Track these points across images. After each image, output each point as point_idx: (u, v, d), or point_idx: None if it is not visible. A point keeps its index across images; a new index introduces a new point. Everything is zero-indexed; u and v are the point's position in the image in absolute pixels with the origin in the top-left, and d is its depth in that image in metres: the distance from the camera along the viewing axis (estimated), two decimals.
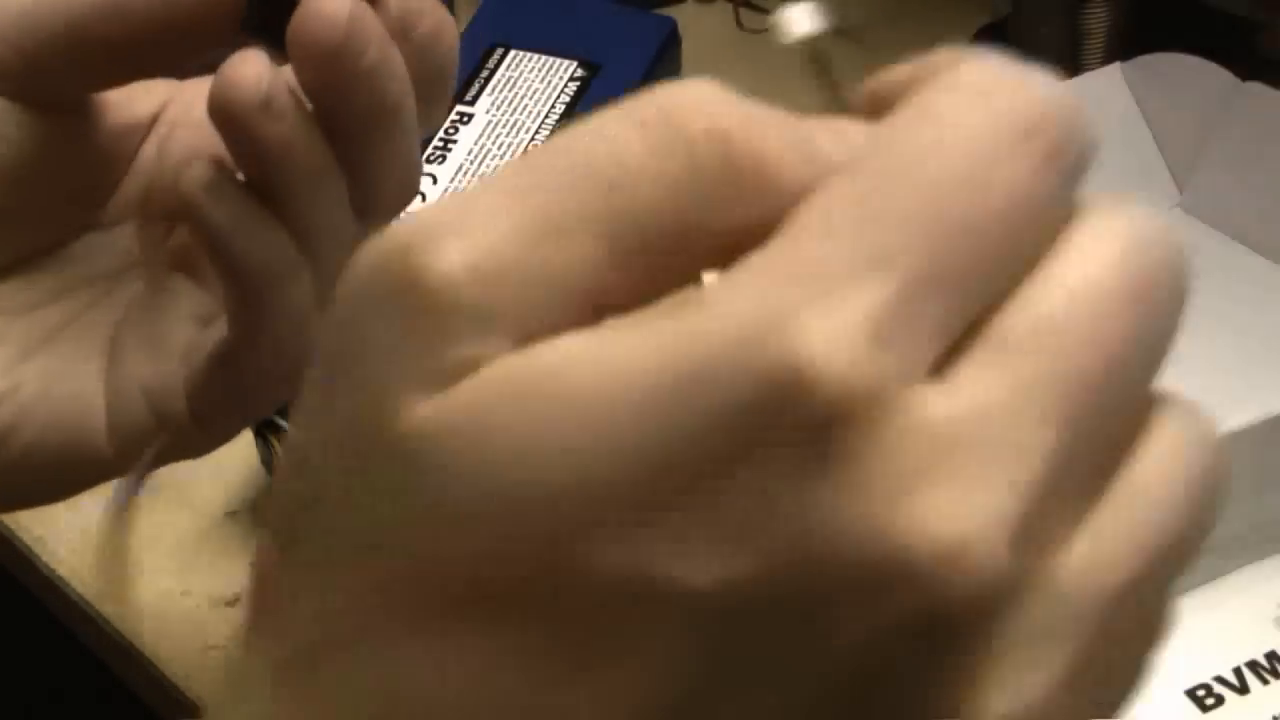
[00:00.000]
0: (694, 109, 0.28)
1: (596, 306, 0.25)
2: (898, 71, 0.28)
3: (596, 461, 0.24)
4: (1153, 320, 0.28)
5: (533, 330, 0.25)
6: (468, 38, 0.74)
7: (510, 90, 0.71)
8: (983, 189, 0.25)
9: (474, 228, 0.25)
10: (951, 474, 0.24)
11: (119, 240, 0.48)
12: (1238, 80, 0.69)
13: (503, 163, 0.69)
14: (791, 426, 0.24)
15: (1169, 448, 0.28)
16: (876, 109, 0.27)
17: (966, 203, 0.25)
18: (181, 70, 0.45)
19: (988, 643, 0.25)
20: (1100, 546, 0.26)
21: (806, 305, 0.24)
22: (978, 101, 0.26)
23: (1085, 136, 0.27)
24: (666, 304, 0.25)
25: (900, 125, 0.26)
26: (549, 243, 0.25)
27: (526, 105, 0.71)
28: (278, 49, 0.40)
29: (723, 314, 0.24)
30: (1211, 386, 0.65)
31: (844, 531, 0.24)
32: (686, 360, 0.24)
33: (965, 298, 0.25)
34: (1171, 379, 0.67)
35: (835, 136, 0.27)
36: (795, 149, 0.27)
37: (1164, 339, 0.28)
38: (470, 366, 0.24)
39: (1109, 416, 0.27)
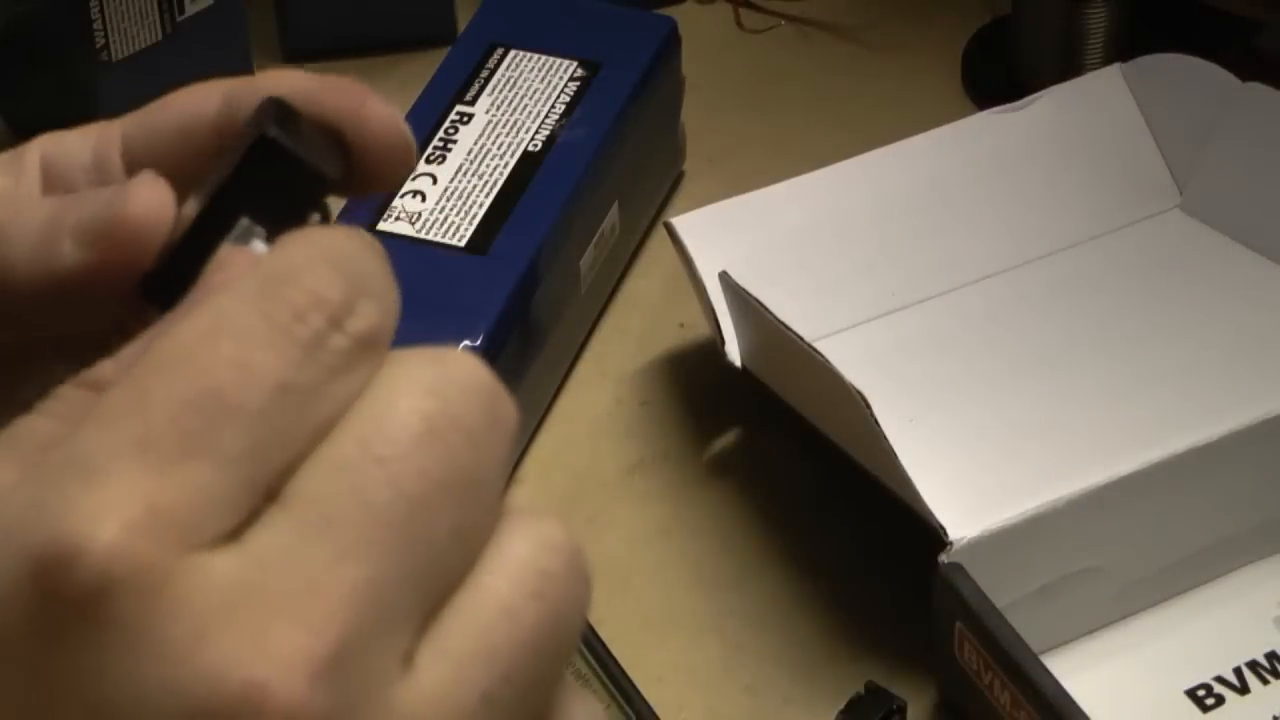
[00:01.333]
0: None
1: None
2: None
3: None
4: (459, 453, 0.28)
5: None
6: (468, 37, 0.74)
7: (510, 90, 0.71)
8: (244, 370, 0.27)
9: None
10: (244, 623, 0.26)
11: None
12: (1238, 80, 0.69)
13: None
14: (67, 602, 0.26)
15: (516, 558, 0.29)
16: None
17: (229, 383, 0.27)
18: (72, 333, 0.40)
19: None
20: (445, 660, 0.27)
21: (78, 488, 0.26)
22: (246, 293, 0.28)
23: (370, 308, 0.30)
24: None
25: (178, 319, 0.28)
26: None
27: (526, 105, 0.71)
28: None
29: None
30: (1212, 386, 0.66)
31: (142, 696, 0.26)
32: None
33: (237, 467, 0.27)
34: (1172, 379, 0.68)
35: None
36: (118, 363, 0.29)
37: (482, 466, 0.29)
38: None
39: (432, 544, 0.28)
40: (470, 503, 0.28)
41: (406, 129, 0.37)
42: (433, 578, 0.28)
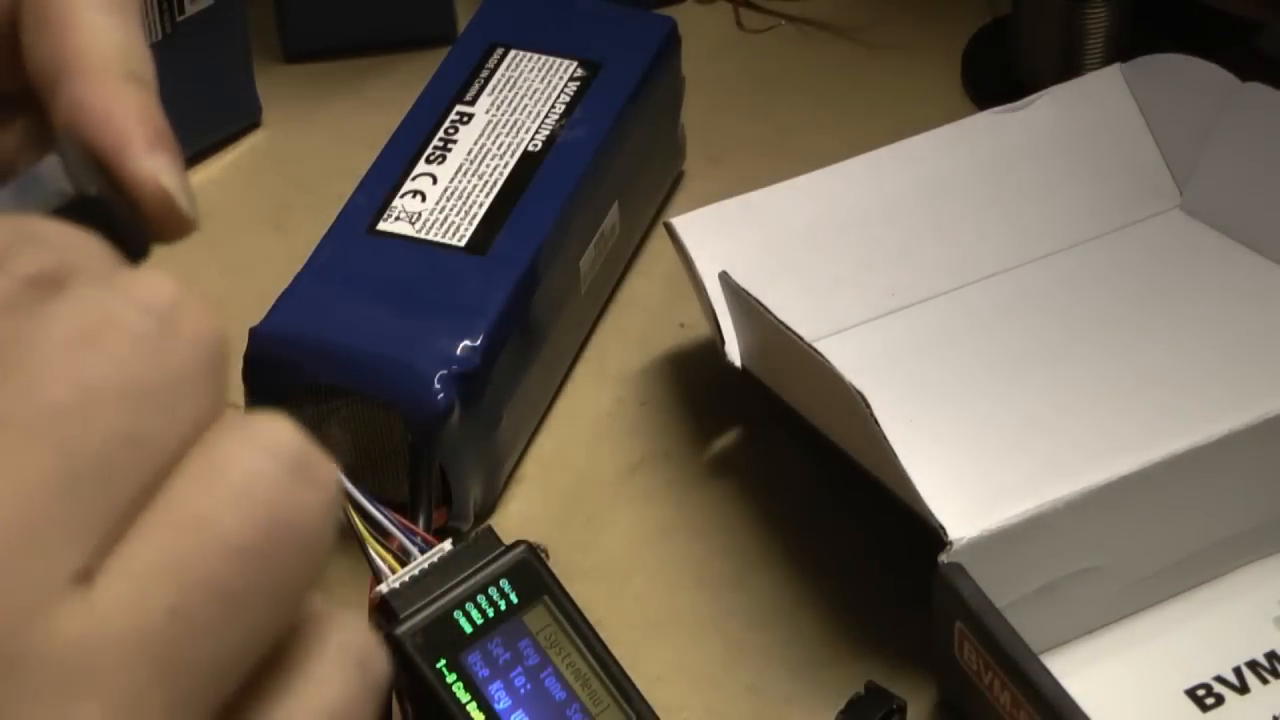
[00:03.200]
0: None
1: None
2: None
3: None
4: (128, 357, 0.27)
5: None
6: (468, 37, 0.74)
7: (510, 90, 0.71)
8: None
9: None
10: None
11: None
12: (1238, 80, 0.69)
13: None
14: None
15: (216, 463, 0.27)
16: None
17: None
18: None
19: None
20: (125, 576, 0.26)
21: None
22: None
23: (34, 254, 0.28)
24: None
25: None
26: None
27: (526, 105, 0.71)
28: None
29: None
30: (1212, 386, 0.66)
31: None
32: None
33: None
34: (1172, 379, 0.68)
35: None
36: None
37: (156, 372, 0.27)
38: None
39: (100, 452, 0.26)
40: (146, 410, 0.27)
41: (167, 189, 0.35)
42: (108, 485, 0.26)
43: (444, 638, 0.55)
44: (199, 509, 0.27)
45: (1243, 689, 0.59)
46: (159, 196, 0.35)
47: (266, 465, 0.27)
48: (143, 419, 0.27)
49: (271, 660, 0.28)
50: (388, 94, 0.79)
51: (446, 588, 0.56)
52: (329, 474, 0.28)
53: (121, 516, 0.26)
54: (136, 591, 0.26)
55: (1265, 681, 0.59)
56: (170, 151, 0.36)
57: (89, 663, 0.25)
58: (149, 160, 0.35)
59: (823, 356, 0.58)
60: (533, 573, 0.58)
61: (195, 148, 0.78)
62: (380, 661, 0.29)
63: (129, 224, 0.34)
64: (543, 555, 0.60)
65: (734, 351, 0.65)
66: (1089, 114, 0.72)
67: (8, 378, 0.26)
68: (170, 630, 0.26)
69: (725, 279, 0.64)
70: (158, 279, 0.28)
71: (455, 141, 0.69)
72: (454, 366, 0.62)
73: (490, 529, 0.61)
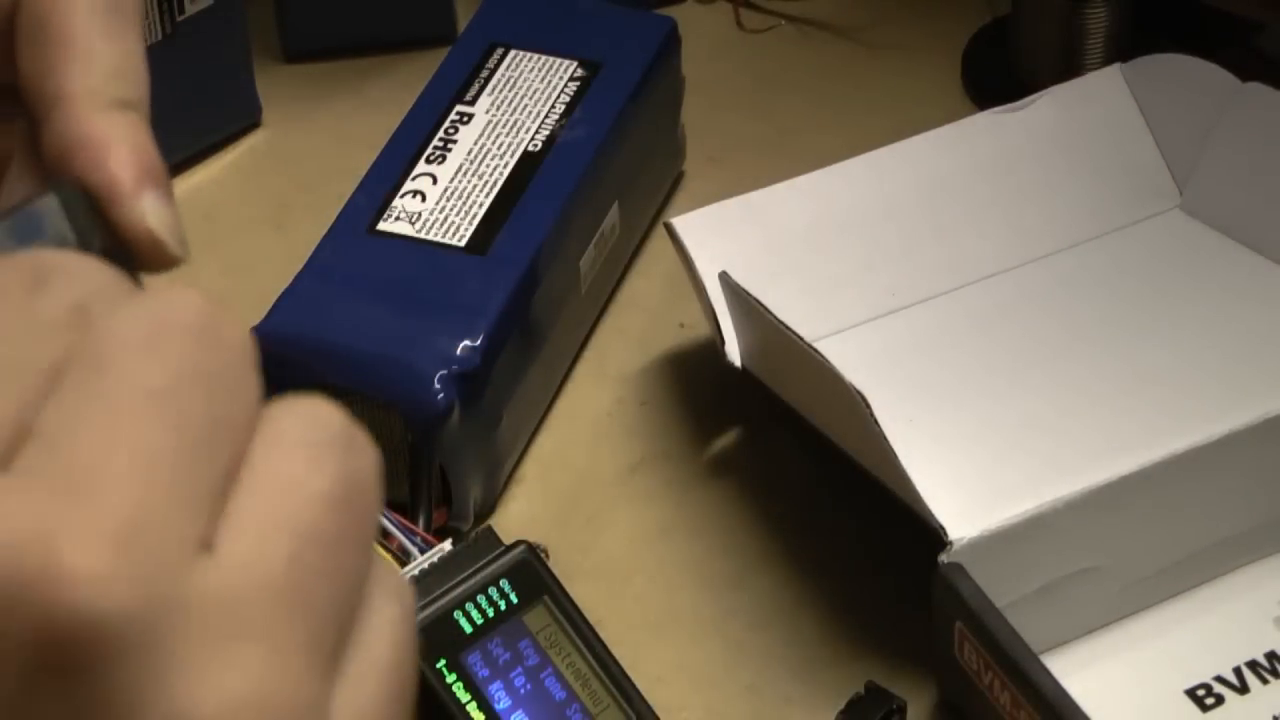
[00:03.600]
0: None
1: None
2: None
3: None
4: (200, 354, 0.30)
5: None
6: (468, 37, 0.74)
7: (510, 90, 0.71)
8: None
9: None
10: (31, 507, 0.27)
11: None
12: (1238, 80, 0.69)
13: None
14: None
15: (288, 434, 0.31)
16: None
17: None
18: None
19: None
20: (244, 534, 0.29)
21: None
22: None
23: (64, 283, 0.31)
24: None
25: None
26: None
27: (526, 105, 0.71)
28: None
29: None
30: (1212, 386, 0.66)
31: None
32: None
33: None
34: (1172, 379, 0.68)
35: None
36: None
37: (221, 363, 0.31)
38: None
39: (202, 427, 0.30)
40: (220, 394, 0.30)
41: (154, 233, 0.37)
42: (209, 459, 0.29)
43: (444, 638, 0.55)
44: (288, 473, 0.30)
45: (1243, 689, 0.59)
46: (148, 240, 0.37)
47: (326, 434, 0.31)
48: (220, 401, 0.30)
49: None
50: (388, 94, 0.79)
51: (446, 588, 0.56)
52: (368, 440, 0.32)
53: (220, 488, 0.30)
54: (257, 546, 0.29)
55: (1265, 681, 0.59)
56: (159, 187, 0.38)
57: (236, 611, 0.28)
58: (137, 204, 0.37)
59: (823, 356, 0.58)
60: (533, 573, 0.58)
61: (195, 148, 0.78)
62: (409, 593, 0.33)
63: (123, 262, 0.35)
64: (543, 555, 0.60)
65: (734, 351, 0.65)
66: (1089, 114, 0.72)
67: (104, 371, 0.29)
68: (292, 575, 0.29)
69: (725, 279, 0.64)
70: (186, 293, 0.31)
71: (455, 141, 0.69)
72: (454, 366, 0.62)
73: (490, 529, 0.61)
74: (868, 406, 0.56)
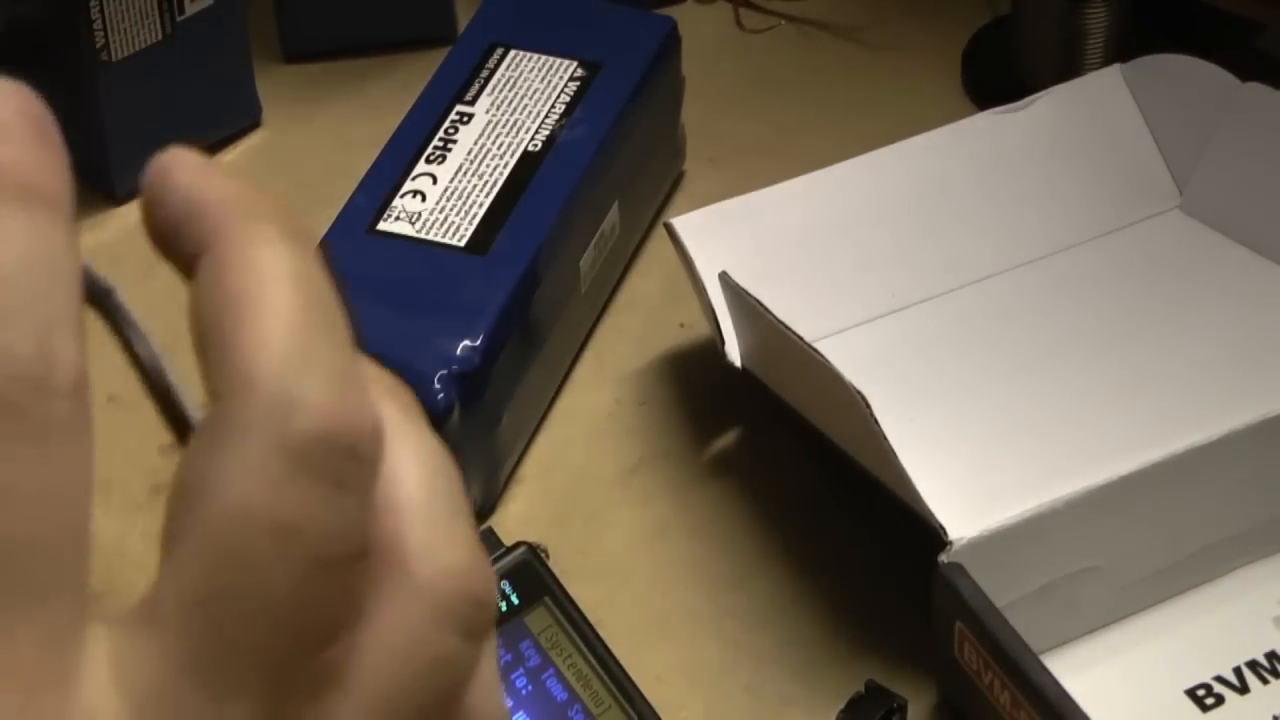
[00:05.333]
0: None
1: None
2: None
3: None
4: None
5: None
6: (468, 37, 0.74)
7: (510, 90, 0.71)
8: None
9: None
10: None
11: None
12: (1238, 80, 0.69)
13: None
14: None
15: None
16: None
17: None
18: None
19: None
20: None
21: None
22: None
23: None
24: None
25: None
26: None
27: (526, 105, 0.71)
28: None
29: None
30: (1212, 386, 0.66)
31: None
32: None
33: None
34: (1172, 379, 0.68)
35: None
36: None
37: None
38: None
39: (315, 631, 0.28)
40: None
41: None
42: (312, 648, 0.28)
43: None
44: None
45: (1243, 689, 0.59)
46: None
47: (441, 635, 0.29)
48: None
49: None
50: (387, 94, 0.79)
51: None
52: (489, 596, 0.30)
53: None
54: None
55: (1265, 681, 0.59)
56: None
57: None
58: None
59: (823, 356, 0.58)
60: (533, 574, 0.58)
61: (195, 148, 0.77)
62: None
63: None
64: (543, 556, 0.60)
65: (734, 351, 0.65)
66: (1089, 114, 0.72)
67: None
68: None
69: (725, 279, 0.64)
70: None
71: (455, 141, 0.69)
72: (454, 366, 0.62)
73: (490, 529, 0.61)
74: (868, 407, 0.56)
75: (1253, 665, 0.60)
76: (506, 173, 0.68)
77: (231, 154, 0.80)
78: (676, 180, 0.78)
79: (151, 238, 0.30)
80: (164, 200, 0.30)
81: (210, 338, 0.28)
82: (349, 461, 0.27)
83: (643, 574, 0.65)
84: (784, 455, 0.67)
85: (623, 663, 0.58)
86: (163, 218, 0.30)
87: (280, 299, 0.28)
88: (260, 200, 0.30)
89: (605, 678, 0.57)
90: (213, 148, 0.79)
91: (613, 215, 0.71)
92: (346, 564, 0.27)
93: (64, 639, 0.26)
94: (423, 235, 0.66)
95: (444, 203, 0.67)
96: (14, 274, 0.26)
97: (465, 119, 0.70)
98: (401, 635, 0.29)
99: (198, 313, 0.28)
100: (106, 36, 0.73)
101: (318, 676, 0.28)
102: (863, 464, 0.61)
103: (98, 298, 0.31)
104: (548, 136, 0.70)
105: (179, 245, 0.30)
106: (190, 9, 0.75)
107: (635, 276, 0.74)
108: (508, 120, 0.70)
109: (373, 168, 0.69)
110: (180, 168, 0.31)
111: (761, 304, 0.61)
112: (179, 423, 0.31)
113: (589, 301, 0.71)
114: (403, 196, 0.67)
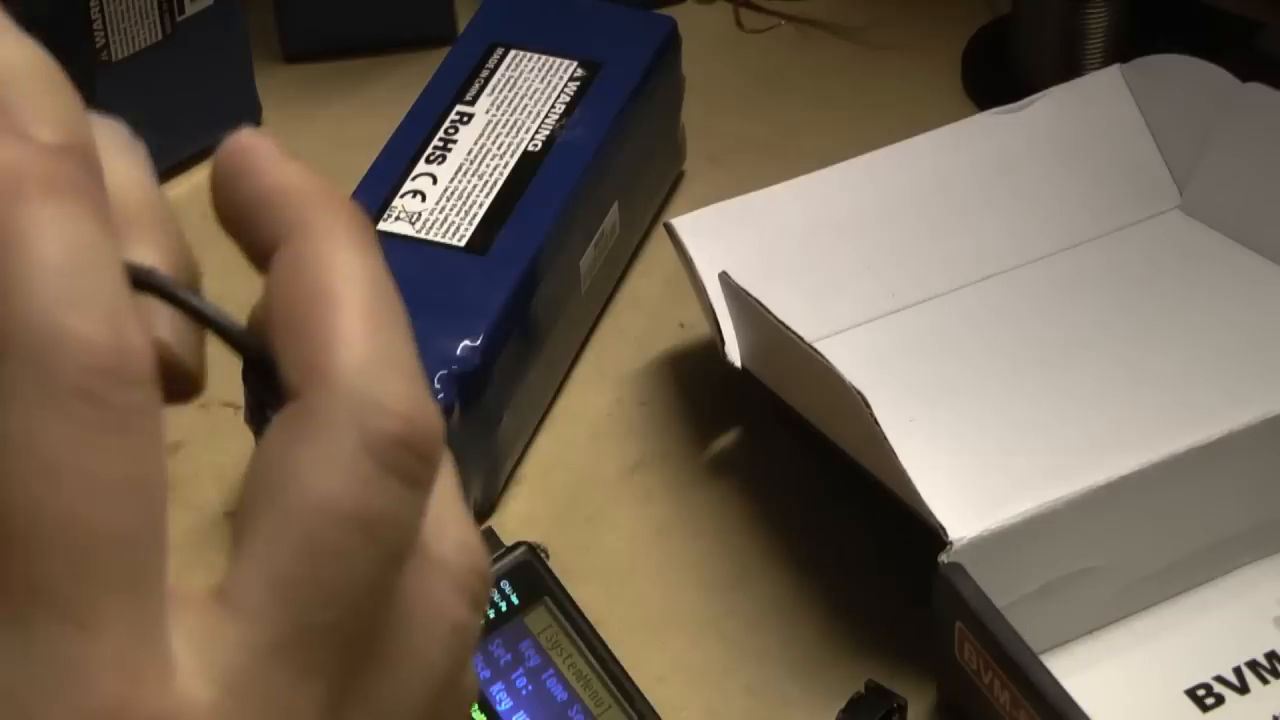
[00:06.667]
0: None
1: None
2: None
3: None
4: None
5: None
6: (468, 37, 0.74)
7: (510, 90, 0.71)
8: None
9: None
10: None
11: None
12: (1238, 80, 0.69)
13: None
14: None
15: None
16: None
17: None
18: None
19: None
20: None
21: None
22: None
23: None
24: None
25: None
26: None
27: (526, 105, 0.71)
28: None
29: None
30: (1212, 386, 0.66)
31: None
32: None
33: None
34: (1172, 379, 0.67)
35: None
36: None
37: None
38: None
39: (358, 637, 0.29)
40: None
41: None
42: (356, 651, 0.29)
43: None
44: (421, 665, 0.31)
45: (1243, 689, 0.59)
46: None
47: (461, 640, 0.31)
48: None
49: None
50: (387, 94, 0.79)
51: None
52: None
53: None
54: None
55: (1265, 681, 0.59)
56: None
57: None
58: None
59: (823, 357, 0.58)
60: (533, 574, 0.58)
61: (195, 148, 0.77)
62: None
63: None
64: (543, 556, 0.60)
65: (734, 351, 0.65)
66: (1089, 114, 0.72)
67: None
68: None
69: (725, 279, 0.64)
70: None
71: (455, 141, 0.69)
72: (454, 366, 0.62)
73: (490, 530, 0.61)
74: (868, 406, 0.56)
75: (1253, 665, 0.60)
76: (506, 173, 0.68)
77: None
78: (676, 180, 0.78)
79: (220, 217, 0.32)
80: (237, 184, 0.32)
81: (288, 328, 0.29)
82: (421, 462, 0.29)
83: (643, 574, 0.65)
84: (784, 455, 0.67)
85: (623, 663, 0.58)
86: (237, 201, 0.32)
87: (363, 300, 0.30)
88: (336, 196, 0.31)
89: (605, 678, 0.57)
90: (213, 148, 0.79)
91: (613, 215, 0.71)
92: (408, 554, 0.29)
93: (154, 628, 0.27)
94: (423, 235, 0.66)
95: (444, 203, 0.67)
96: (69, 264, 0.26)
97: (465, 119, 0.70)
98: (430, 608, 0.30)
99: (275, 302, 0.30)
100: (106, 36, 0.73)
101: (372, 654, 0.29)
102: (863, 464, 0.61)
103: (141, 278, 0.31)
104: (548, 136, 0.70)
105: (251, 231, 0.31)
106: (190, 9, 0.75)
107: (635, 276, 0.74)
108: (508, 120, 0.70)
109: (373, 168, 0.69)
110: (257, 153, 0.32)
111: (761, 304, 0.61)
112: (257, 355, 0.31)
113: (589, 301, 0.71)
114: (403, 196, 0.67)
